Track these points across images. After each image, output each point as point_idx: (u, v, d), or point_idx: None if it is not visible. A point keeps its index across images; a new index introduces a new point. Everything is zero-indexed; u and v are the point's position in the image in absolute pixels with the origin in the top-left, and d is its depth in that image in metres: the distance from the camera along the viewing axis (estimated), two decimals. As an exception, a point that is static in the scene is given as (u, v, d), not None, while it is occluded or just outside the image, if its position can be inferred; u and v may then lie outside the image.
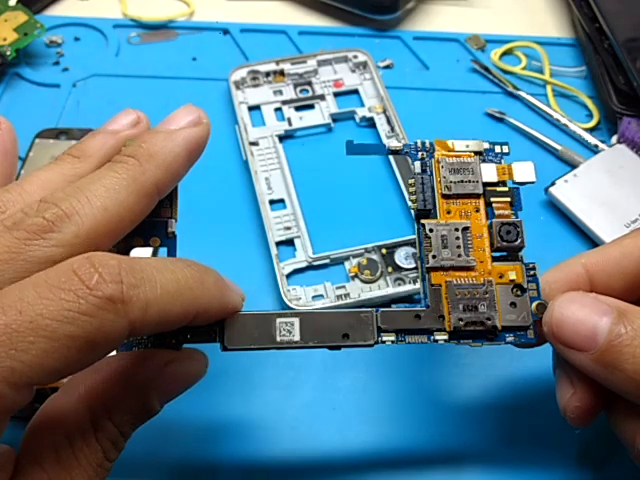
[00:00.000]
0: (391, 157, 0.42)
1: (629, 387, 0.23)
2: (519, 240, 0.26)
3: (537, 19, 0.52)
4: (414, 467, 0.31)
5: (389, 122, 0.44)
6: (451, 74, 0.48)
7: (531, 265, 0.26)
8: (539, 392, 0.34)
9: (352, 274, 0.37)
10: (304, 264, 0.37)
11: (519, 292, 0.25)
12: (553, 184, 0.40)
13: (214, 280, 0.23)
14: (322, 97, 0.45)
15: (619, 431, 0.25)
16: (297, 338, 0.24)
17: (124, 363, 0.23)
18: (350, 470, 0.31)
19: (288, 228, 0.39)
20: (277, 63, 0.46)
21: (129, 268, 0.20)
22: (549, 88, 0.47)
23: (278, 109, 0.45)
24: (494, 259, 0.26)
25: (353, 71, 0.47)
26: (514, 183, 0.27)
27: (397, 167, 0.41)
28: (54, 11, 0.52)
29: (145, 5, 0.52)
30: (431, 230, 0.26)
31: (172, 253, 0.26)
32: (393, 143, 0.27)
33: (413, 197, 0.27)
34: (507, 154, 0.27)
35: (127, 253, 0.25)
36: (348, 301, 0.36)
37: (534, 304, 0.25)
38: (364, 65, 0.47)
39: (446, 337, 0.25)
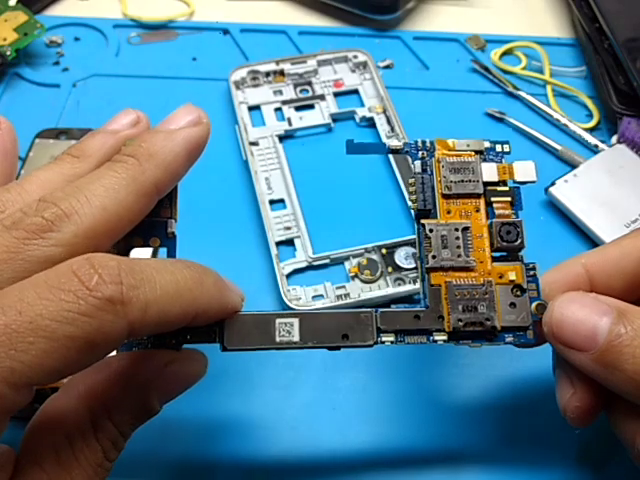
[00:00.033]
0: (391, 157, 0.42)
1: (629, 387, 0.23)
2: (519, 240, 0.26)
3: (537, 19, 0.52)
4: (414, 467, 0.31)
5: (389, 122, 0.44)
6: (451, 74, 0.48)
7: (531, 265, 0.26)
8: (539, 392, 0.34)
9: (352, 274, 0.37)
10: (304, 264, 0.37)
11: (519, 292, 0.25)
12: (553, 184, 0.40)
13: (213, 281, 0.23)
14: (322, 97, 0.45)
15: (619, 431, 0.25)
16: (296, 338, 0.24)
17: (124, 363, 0.23)
18: (350, 470, 0.31)
19: (288, 228, 0.39)
20: (277, 63, 0.46)
21: (129, 269, 0.20)
22: (549, 88, 0.47)
23: (278, 109, 0.45)
24: (494, 259, 0.26)
25: (353, 71, 0.47)
26: (515, 182, 0.27)
27: (397, 167, 0.41)
28: (54, 11, 0.52)
29: (145, 5, 0.52)
30: (431, 230, 0.26)
31: (172, 253, 0.26)
32: (393, 142, 0.27)
33: (413, 197, 0.26)
34: (508, 153, 0.27)
35: (127, 253, 0.25)
36: (348, 301, 0.35)
37: (534, 304, 0.25)
38: (364, 65, 0.47)
39: (445, 337, 0.25)
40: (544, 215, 0.40)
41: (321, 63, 0.46)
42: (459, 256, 0.25)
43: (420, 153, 0.27)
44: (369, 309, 0.25)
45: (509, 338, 0.25)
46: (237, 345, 0.24)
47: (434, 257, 0.25)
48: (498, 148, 0.27)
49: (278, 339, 0.24)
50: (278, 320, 0.24)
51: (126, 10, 0.51)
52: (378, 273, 0.37)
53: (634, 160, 0.41)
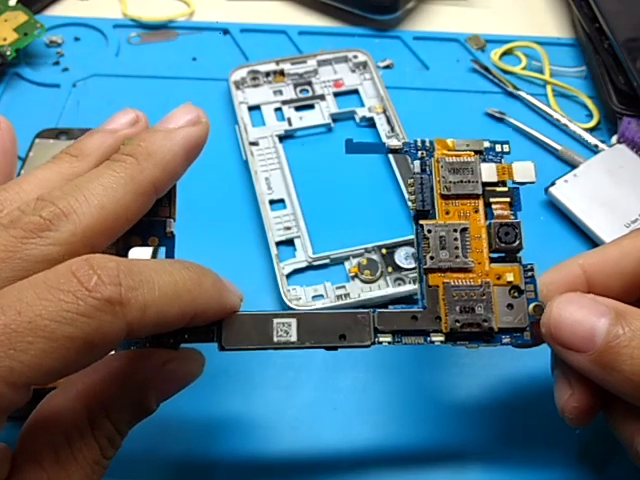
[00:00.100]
0: (391, 157, 0.42)
1: (627, 388, 0.23)
2: (517, 241, 0.26)
3: (537, 19, 0.52)
4: (415, 467, 0.31)
5: (389, 122, 0.44)
6: (451, 74, 0.48)
7: (529, 266, 0.26)
8: (540, 391, 0.33)
9: (352, 274, 0.37)
10: (304, 264, 0.37)
11: (516, 294, 0.25)
12: (553, 184, 0.40)
13: (212, 281, 0.23)
14: (322, 97, 0.45)
15: (617, 432, 0.25)
16: (294, 339, 0.24)
17: (122, 362, 0.23)
18: (351, 470, 0.31)
19: (288, 228, 0.39)
20: (277, 63, 0.46)
21: (127, 270, 0.20)
22: (549, 88, 0.47)
23: (278, 109, 0.45)
24: (492, 260, 0.26)
25: (353, 71, 0.47)
26: (514, 183, 0.27)
27: (397, 167, 0.41)
28: (54, 11, 0.52)
29: (145, 5, 0.52)
30: (429, 231, 0.26)
31: (170, 253, 0.26)
32: (393, 142, 0.27)
33: (412, 197, 0.26)
34: (507, 153, 0.27)
35: (125, 253, 0.25)
36: (348, 301, 0.35)
37: (531, 306, 0.25)
38: (364, 65, 0.47)
39: (442, 338, 0.25)
40: (544, 215, 0.40)
41: (321, 63, 0.46)
42: (457, 257, 0.25)
43: (419, 153, 0.27)
44: (366, 309, 0.25)
45: (506, 339, 0.25)
46: (235, 345, 0.24)
47: (432, 258, 0.25)
48: (498, 148, 0.27)
49: (276, 339, 0.24)
50: (276, 320, 0.24)
51: (126, 10, 0.51)
52: (378, 273, 0.37)
53: (634, 160, 0.41)
